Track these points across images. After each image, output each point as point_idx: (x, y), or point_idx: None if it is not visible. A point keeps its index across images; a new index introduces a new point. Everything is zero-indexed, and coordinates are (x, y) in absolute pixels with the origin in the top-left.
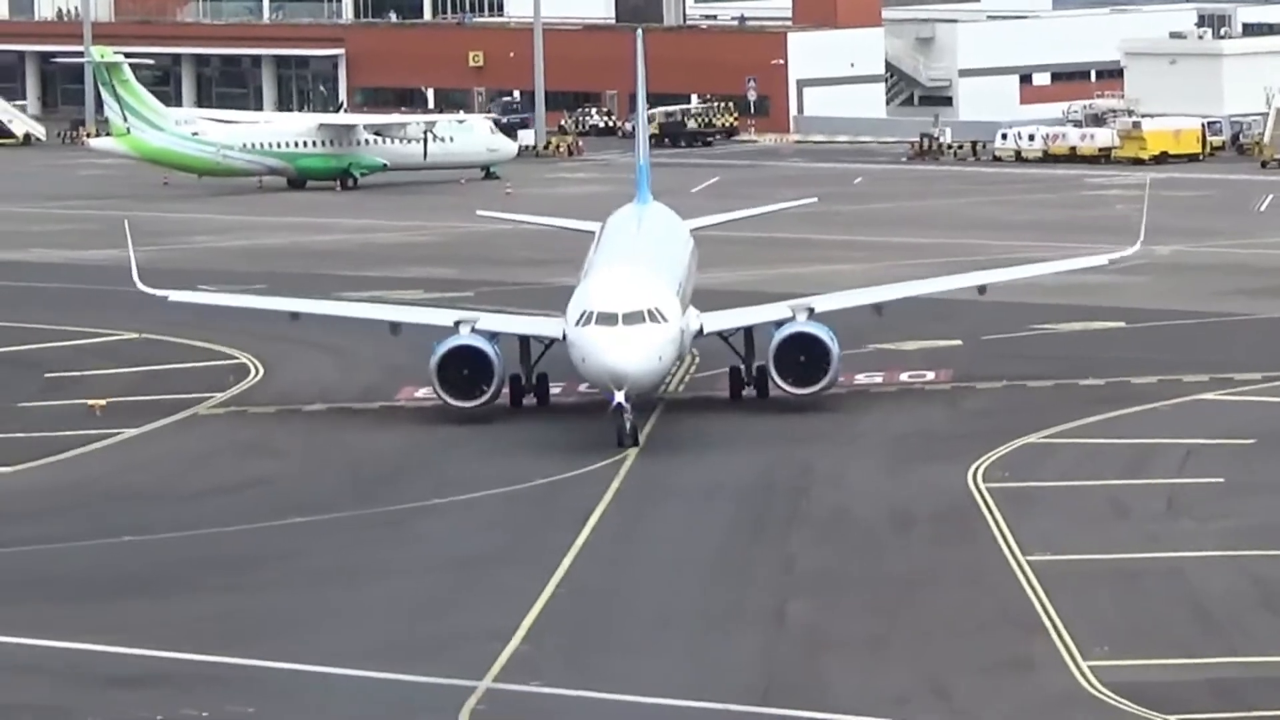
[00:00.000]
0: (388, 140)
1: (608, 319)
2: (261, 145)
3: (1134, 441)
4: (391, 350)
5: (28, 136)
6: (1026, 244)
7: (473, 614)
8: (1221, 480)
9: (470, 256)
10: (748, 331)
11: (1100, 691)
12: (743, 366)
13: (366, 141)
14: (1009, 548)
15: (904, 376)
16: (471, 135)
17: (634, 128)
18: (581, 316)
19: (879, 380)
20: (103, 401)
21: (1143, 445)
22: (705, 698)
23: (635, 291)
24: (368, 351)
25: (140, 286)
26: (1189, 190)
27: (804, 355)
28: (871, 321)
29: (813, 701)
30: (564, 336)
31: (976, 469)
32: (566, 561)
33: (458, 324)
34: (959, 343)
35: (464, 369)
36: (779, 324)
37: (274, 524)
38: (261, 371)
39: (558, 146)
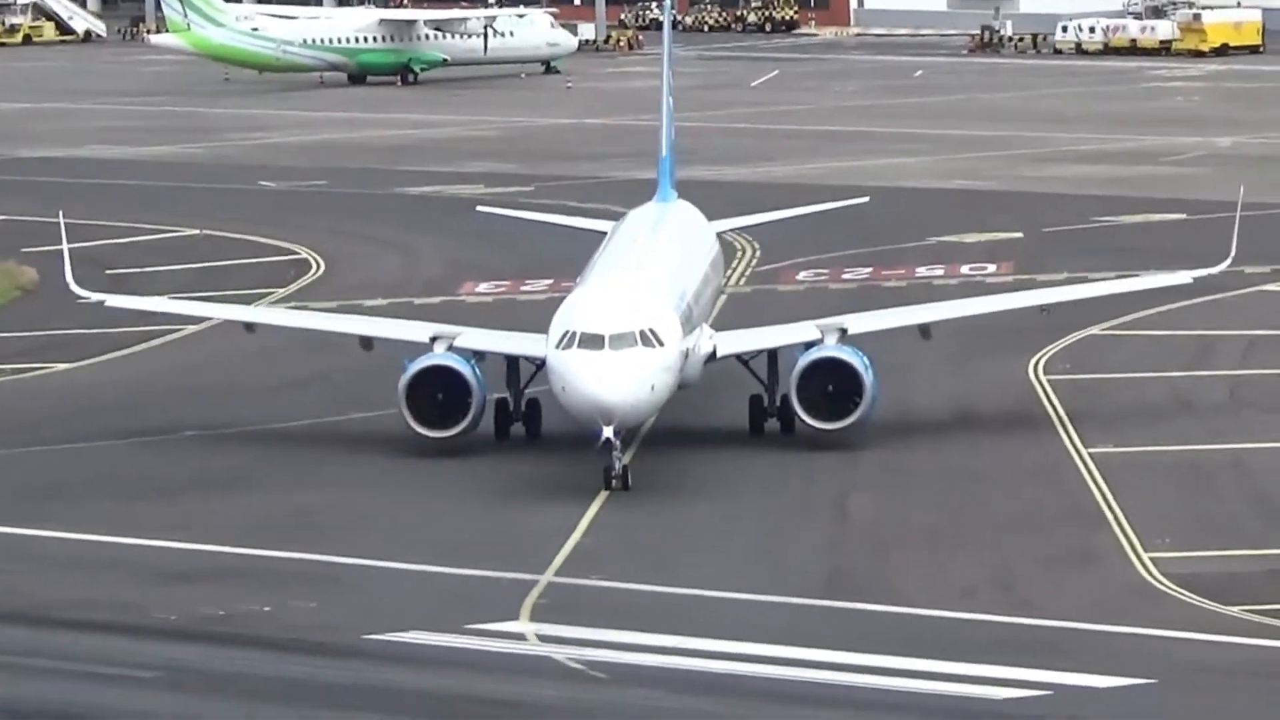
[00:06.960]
0: (448, 35)
1: (593, 341)
2: (322, 41)
3: (1196, 333)
4: (455, 246)
5: (88, 34)
6: (1089, 136)
7: (534, 508)
8: None
9: (531, 151)
10: (771, 354)
11: (1162, 583)
12: (765, 395)
13: (427, 36)
14: (1071, 440)
15: (965, 269)
16: (532, 30)
17: (662, 100)
18: (564, 337)
19: (940, 273)
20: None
21: (1205, 337)
22: (768, 591)
23: (627, 309)
24: (429, 246)
25: (73, 288)
26: (1250, 82)
27: (833, 384)
28: (931, 211)
29: (877, 594)
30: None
31: (1038, 361)
32: (627, 458)
33: (434, 340)
34: (1020, 235)
35: (438, 393)
36: (806, 346)
37: (335, 419)
38: (323, 267)
39: (618, 41)
